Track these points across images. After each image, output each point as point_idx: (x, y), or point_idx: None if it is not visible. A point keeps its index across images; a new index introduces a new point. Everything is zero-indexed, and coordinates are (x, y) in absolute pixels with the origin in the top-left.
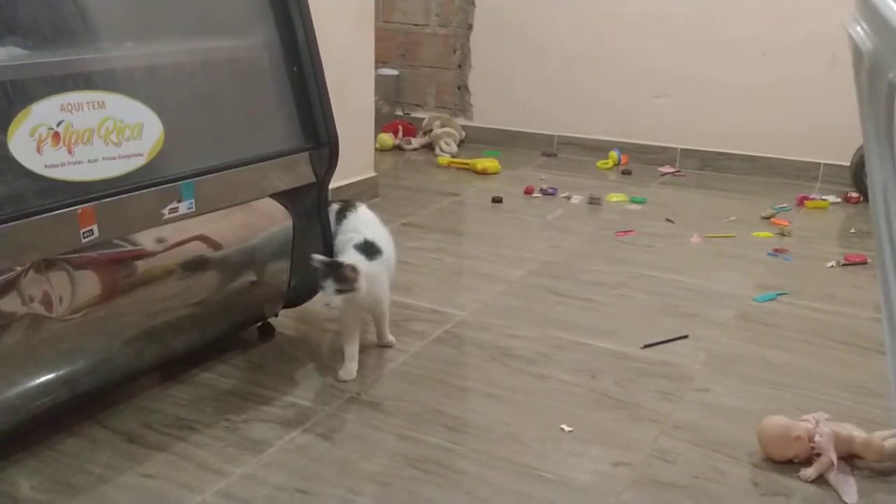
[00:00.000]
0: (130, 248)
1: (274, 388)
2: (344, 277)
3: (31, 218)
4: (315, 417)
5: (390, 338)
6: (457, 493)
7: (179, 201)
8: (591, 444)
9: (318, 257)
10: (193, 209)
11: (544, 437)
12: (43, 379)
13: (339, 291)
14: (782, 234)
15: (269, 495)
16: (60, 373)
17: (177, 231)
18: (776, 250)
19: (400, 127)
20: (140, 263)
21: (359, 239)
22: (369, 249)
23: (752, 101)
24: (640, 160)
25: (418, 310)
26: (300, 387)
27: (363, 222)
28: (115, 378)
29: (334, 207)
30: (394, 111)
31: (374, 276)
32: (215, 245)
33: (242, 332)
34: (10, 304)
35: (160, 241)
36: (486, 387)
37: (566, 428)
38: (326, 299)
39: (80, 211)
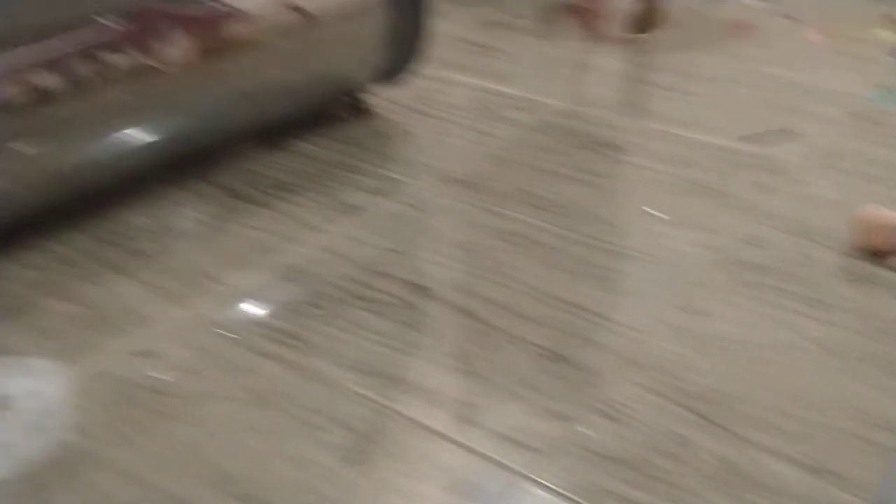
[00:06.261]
0: (227, 7)
1: (368, 161)
2: None
3: None
4: (407, 190)
5: None
6: (539, 263)
7: None
8: (677, 226)
9: None
10: None
11: (630, 219)
12: (148, 133)
13: None
14: None
15: (364, 252)
16: (164, 127)
17: None
18: None
19: None
20: (237, 25)
21: None
22: None
23: None
24: None
25: (512, 97)
26: (393, 161)
27: None
28: (216, 137)
29: None
30: None
31: None
32: (309, 11)
33: (337, 105)
34: (116, 55)
35: (255, 3)
36: (574, 172)
37: (652, 211)
38: None
39: None
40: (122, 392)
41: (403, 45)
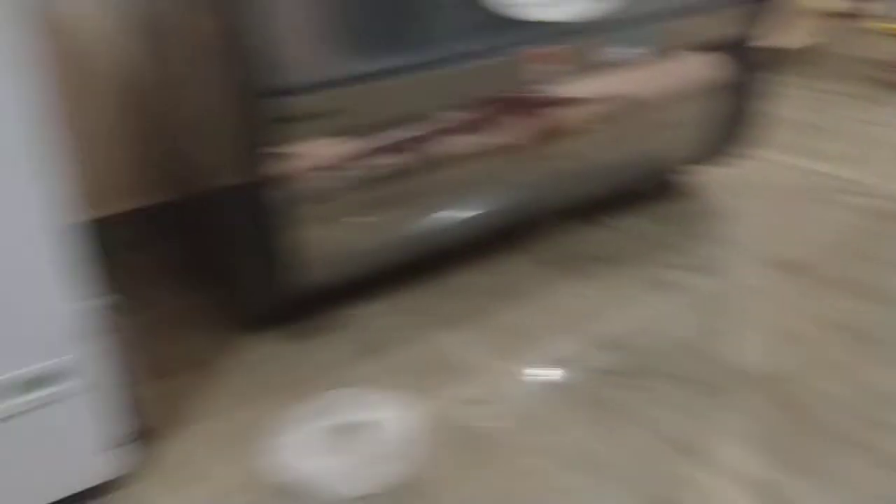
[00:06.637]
0: (559, 95)
1: (687, 239)
2: None
3: (491, 56)
4: (725, 271)
5: None
6: (875, 360)
7: (623, 46)
8: None
9: None
10: (638, 54)
11: None
12: (482, 205)
13: None
14: None
15: (681, 330)
16: (497, 201)
17: (610, 78)
18: None
19: None
20: (568, 111)
21: None
22: None
23: None
24: None
25: (839, 179)
26: (711, 241)
27: None
28: (541, 211)
29: None
30: None
31: None
32: (641, 97)
33: (652, 185)
34: (460, 139)
35: (592, 87)
36: None
37: None
38: None
39: (538, 51)
40: (453, 434)
41: (730, 127)
